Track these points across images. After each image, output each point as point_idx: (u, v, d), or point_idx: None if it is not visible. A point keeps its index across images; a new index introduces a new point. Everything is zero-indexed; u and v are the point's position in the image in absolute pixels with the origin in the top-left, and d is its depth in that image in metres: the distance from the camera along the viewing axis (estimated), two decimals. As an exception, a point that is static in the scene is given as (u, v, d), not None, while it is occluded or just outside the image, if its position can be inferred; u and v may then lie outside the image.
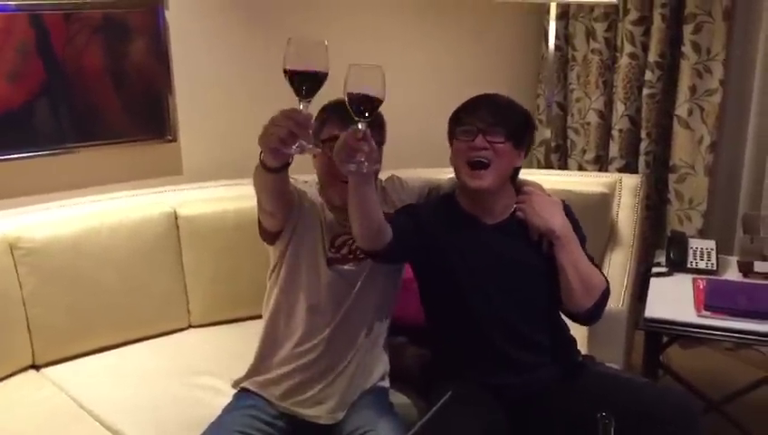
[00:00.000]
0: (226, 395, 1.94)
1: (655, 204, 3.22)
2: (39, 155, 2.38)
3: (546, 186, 2.04)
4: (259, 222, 1.87)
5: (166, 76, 2.56)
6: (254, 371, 1.94)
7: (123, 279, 2.28)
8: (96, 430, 1.93)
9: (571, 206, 2.00)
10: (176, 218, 2.38)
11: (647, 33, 3.06)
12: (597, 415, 1.43)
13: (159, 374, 2.15)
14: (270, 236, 1.89)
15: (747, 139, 3.01)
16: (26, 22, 2.28)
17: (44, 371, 2.18)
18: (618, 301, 2.32)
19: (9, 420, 1.94)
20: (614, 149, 3.20)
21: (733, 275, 2.61)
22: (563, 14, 3.28)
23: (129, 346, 2.30)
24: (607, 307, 1.94)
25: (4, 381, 2.11)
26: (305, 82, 1.44)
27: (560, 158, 3.43)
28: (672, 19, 3.01)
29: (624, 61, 3.11)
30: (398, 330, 2.09)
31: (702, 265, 2.62)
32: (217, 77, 2.68)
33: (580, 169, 3.33)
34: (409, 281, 2.02)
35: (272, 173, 1.62)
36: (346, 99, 1.46)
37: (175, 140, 2.63)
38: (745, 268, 2.59)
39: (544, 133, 3.12)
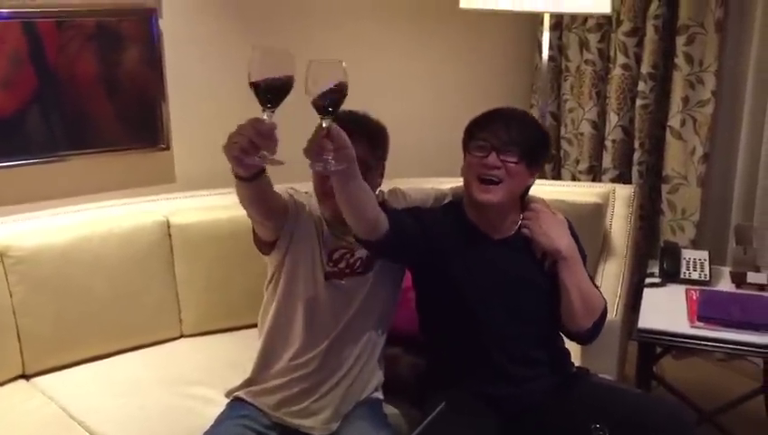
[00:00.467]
0: (218, 405, 1.92)
1: (648, 214, 3.23)
2: (31, 163, 2.36)
3: (540, 196, 2.02)
4: (254, 231, 1.86)
5: (159, 84, 2.55)
6: (249, 382, 1.92)
7: (115, 288, 2.26)
8: (86, 440, 1.92)
9: (567, 218, 1.98)
10: (168, 227, 2.37)
11: (640, 44, 3.07)
12: (591, 426, 1.43)
13: (151, 384, 2.13)
14: (265, 246, 1.87)
15: (739, 149, 3.01)
16: (19, 29, 2.26)
17: (34, 380, 2.16)
18: (611, 311, 2.30)
19: (-2, 430, 1.92)
20: (607, 160, 3.21)
21: (725, 285, 2.61)
22: (557, 25, 3.29)
23: (120, 356, 2.28)
24: (601, 319, 1.93)
25: (-6, 391, 2.09)
26: (268, 92, 1.43)
27: (553, 168, 3.44)
28: (665, 30, 3.02)
29: (617, 72, 3.13)
30: (393, 339, 2.06)
31: (695, 275, 2.62)
32: (211, 85, 2.67)
33: (574, 179, 3.33)
34: (405, 290, 2.01)
35: (245, 181, 1.60)
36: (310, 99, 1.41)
37: (168, 148, 2.62)
38: (738, 279, 2.59)
39: (538, 143, 3.12)
